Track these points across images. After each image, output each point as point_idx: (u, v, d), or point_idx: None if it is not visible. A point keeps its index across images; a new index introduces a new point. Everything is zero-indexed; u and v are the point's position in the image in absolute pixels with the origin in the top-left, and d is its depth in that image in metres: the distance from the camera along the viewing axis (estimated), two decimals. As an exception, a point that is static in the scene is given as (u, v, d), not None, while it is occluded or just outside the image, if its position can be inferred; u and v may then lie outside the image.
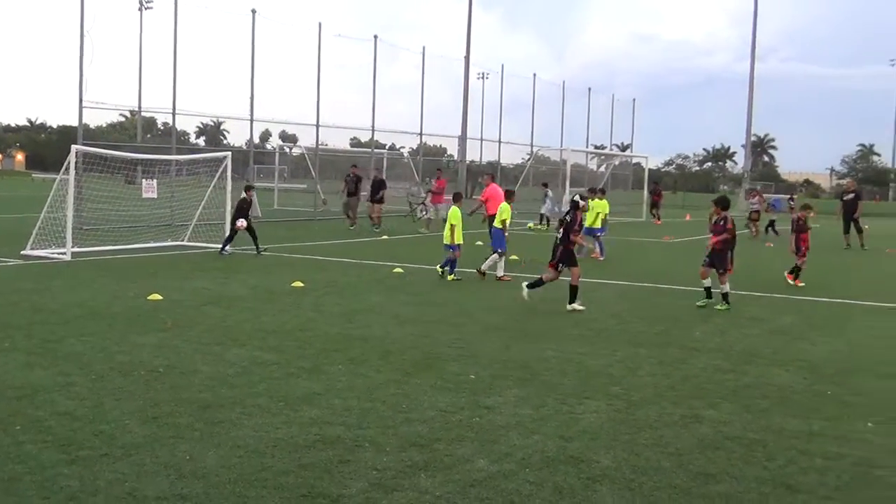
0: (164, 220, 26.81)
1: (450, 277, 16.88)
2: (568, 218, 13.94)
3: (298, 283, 15.25)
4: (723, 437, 7.13)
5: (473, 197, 65.85)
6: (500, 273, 17.17)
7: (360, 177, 32.53)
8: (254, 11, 32.90)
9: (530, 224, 36.81)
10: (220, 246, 20.77)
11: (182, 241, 22.53)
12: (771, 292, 16.38)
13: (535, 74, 53.81)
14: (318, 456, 6.30)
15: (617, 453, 6.59)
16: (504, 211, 17.68)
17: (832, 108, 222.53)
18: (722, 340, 11.41)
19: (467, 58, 53.76)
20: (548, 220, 36.90)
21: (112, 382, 8.22)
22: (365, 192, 32.72)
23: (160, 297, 13.22)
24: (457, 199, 18.34)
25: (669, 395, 8.42)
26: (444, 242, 17.44)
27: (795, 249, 17.85)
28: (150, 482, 5.70)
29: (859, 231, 29.41)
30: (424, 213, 33.49)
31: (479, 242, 24.44)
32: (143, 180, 26.94)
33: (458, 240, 17.28)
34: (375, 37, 40.17)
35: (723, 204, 14.88)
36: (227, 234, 21.13)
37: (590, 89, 59.17)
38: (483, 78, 64.24)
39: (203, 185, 24.89)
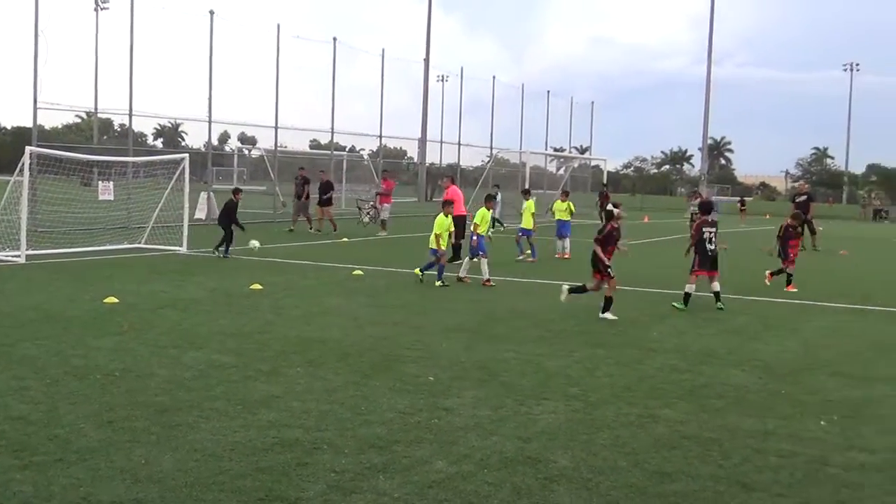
0: (120, 222, 26.49)
1: (437, 283, 16.49)
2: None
3: (257, 286, 15.16)
4: (679, 436, 7.20)
5: (434, 199, 65.87)
6: (462, 274, 17.24)
7: (308, 179, 31.69)
8: (212, 12, 32.68)
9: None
10: (219, 249, 20.59)
11: (139, 243, 22.30)
12: (727, 293, 16.54)
13: (494, 77, 53.99)
14: (275, 459, 6.27)
15: (575, 453, 6.64)
16: (482, 217, 17.64)
17: (787, 111, 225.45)
18: (679, 341, 11.53)
19: (427, 60, 53.88)
20: (501, 223, 36.77)
21: (67, 386, 8.11)
22: (315, 194, 32.12)
23: (116, 300, 13.07)
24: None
25: (626, 396, 8.50)
26: (430, 247, 17.20)
27: (782, 255, 17.67)
28: (106, 487, 5.64)
29: (812, 232, 29.88)
30: (374, 215, 32.34)
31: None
32: (100, 182, 26.62)
33: (443, 245, 17.08)
34: (334, 39, 40.10)
35: (703, 209, 15.53)
36: (224, 237, 20.84)
37: (549, 92, 59.47)
38: (443, 80, 64.35)
39: (161, 186, 24.66)
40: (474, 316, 13.06)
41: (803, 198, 30.65)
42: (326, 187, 30.87)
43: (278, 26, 35.93)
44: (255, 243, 21.36)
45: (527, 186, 31.87)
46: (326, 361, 9.54)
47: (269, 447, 6.52)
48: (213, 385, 8.33)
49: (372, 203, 33.60)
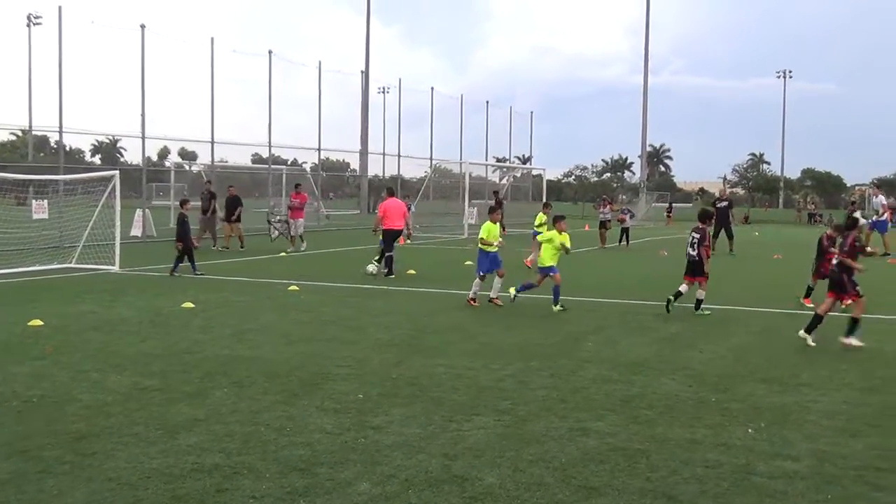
0: (52, 241, 25.90)
1: (555, 308, 15.08)
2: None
3: (189, 304, 14.88)
4: (608, 448, 7.16)
5: (375, 211, 65.63)
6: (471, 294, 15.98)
7: (214, 193, 30.15)
8: (143, 27, 32.25)
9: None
10: (172, 267, 20.14)
11: (70, 263, 21.80)
12: (661, 300, 16.64)
13: (432, 88, 54.11)
14: (193, 486, 6.08)
15: (502, 470, 6.55)
16: (489, 231, 16.18)
17: (724, 118, 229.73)
18: (612, 351, 11.53)
19: (366, 72, 53.73)
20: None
21: (-20, 415, 7.83)
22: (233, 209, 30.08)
23: (41, 323, 12.72)
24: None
25: (558, 409, 8.44)
26: (541, 265, 15.79)
27: (814, 268, 16.30)
28: (11, 522, 5.41)
29: (730, 237, 31.06)
30: (285, 230, 30.42)
31: (469, 262, 24.39)
32: (34, 201, 26.02)
33: (551, 261, 15.60)
34: (270, 52, 39.88)
35: (701, 217, 15.79)
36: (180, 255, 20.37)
37: (487, 102, 59.82)
38: (384, 92, 64.28)
39: (95, 204, 24.15)
40: (407, 330, 12.93)
41: (724, 204, 31.68)
42: (234, 202, 29.53)
43: (212, 40, 35.71)
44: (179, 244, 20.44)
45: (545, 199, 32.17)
46: (254, 381, 9.34)
47: (187, 474, 6.33)
48: (134, 410, 8.10)
49: (282, 218, 31.24)
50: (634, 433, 7.64)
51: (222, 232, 29.79)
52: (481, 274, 16.04)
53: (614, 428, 7.79)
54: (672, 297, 14.95)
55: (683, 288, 15.21)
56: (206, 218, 29.56)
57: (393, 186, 27.20)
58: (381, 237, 21.11)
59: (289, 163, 68.97)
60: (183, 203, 21.88)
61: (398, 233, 21.16)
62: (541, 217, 23.24)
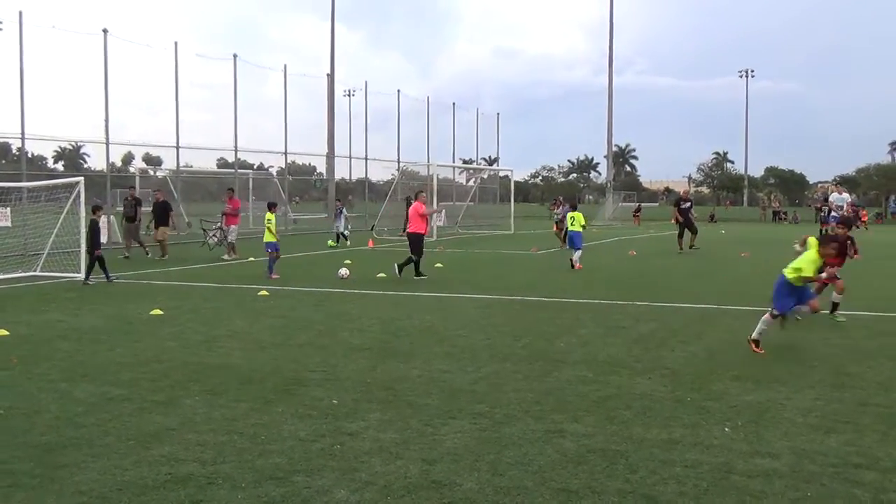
0: (16, 249, 25.48)
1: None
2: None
3: (157, 311, 14.69)
4: (586, 450, 7.12)
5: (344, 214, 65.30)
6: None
7: (140, 199, 28.73)
8: (105, 31, 31.85)
9: (330, 242, 35.17)
10: (84, 276, 19.88)
11: (35, 271, 21.47)
12: (633, 300, 16.70)
13: (398, 91, 53.94)
14: (167, 497, 5.96)
15: (480, 475, 6.49)
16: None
17: (688, 118, 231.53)
18: (585, 351, 11.51)
19: (331, 75, 53.52)
20: (346, 237, 35.96)
21: (-55, 429, 7.64)
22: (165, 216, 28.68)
23: (6, 333, 12.49)
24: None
25: (534, 411, 8.39)
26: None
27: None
28: (-20, 538, 5.27)
29: (694, 232, 31.76)
30: (217, 237, 29.12)
31: (439, 265, 24.31)
32: (-3, 208, 25.63)
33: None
34: (235, 56, 39.60)
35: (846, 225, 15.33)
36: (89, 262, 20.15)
37: (454, 104, 59.74)
38: (349, 95, 64.16)
39: (58, 211, 23.79)
40: (380, 334, 12.84)
41: (687, 204, 32.20)
42: (163, 208, 28.33)
43: (176, 44, 35.40)
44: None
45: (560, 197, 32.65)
46: (227, 389, 9.21)
47: (160, 484, 6.21)
48: (104, 420, 7.95)
49: (218, 224, 29.59)
50: (612, 434, 7.61)
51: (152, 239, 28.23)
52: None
53: (591, 429, 7.75)
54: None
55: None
56: (133, 226, 28.12)
57: (421, 189, 26.04)
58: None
59: (255, 167, 68.57)
60: (95, 209, 21.46)
61: (417, 236, 21.52)
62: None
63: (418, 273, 20.94)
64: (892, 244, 32.33)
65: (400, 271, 20.91)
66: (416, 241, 21.31)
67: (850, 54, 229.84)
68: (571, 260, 24.09)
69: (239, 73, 40.31)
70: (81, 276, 20.29)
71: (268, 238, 21.64)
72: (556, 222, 35.90)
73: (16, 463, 6.69)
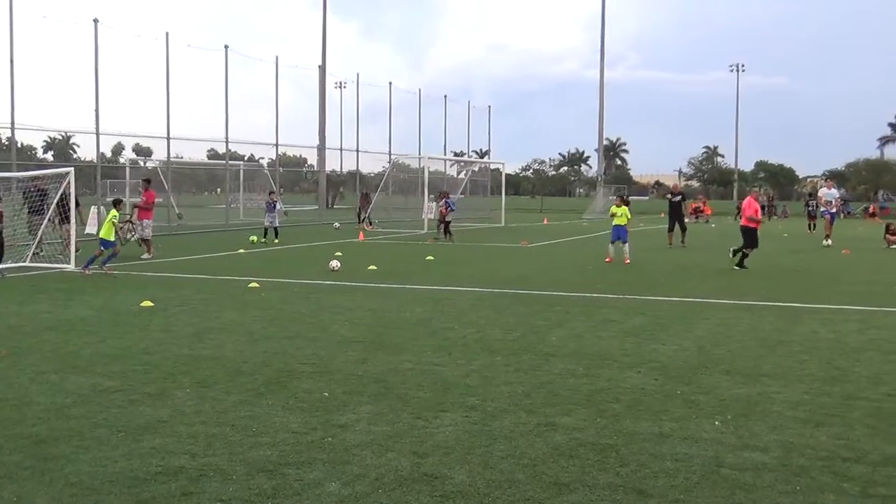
0: (5, 240, 25.27)
1: None
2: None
3: (148, 303, 14.65)
4: (577, 444, 7.14)
5: (335, 206, 65.35)
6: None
7: (46, 191, 24.15)
8: (96, 21, 31.73)
9: (253, 238, 31.76)
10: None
11: (23, 262, 21.38)
12: (623, 294, 16.74)
13: (390, 83, 53.96)
14: (158, 489, 5.96)
15: (472, 467, 6.50)
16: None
17: (679, 112, 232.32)
18: (576, 344, 11.53)
19: (323, 67, 53.38)
20: (276, 232, 32.11)
21: (-65, 420, 7.62)
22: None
23: (-5, 324, 12.45)
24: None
25: (525, 404, 8.41)
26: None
27: None
28: (-29, 530, 5.26)
29: (683, 230, 31.78)
30: (132, 233, 25.54)
31: (430, 257, 24.30)
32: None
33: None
34: (226, 47, 39.50)
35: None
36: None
37: (445, 97, 59.76)
38: (341, 87, 63.99)
39: (52, 202, 23.60)
40: (371, 326, 12.84)
41: (678, 198, 32.26)
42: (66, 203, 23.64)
43: (167, 35, 35.26)
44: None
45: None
46: (218, 381, 9.20)
47: (151, 477, 6.20)
48: (95, 412, 7.93)
49: (129, 218, 25.73)
50: (602, 427, 7.63)
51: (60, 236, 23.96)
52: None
53: (582, 422, 7.77)
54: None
55: None
56: (34, 219, 23.68)
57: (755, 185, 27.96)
58: None
59: (246, 158, 68.42)
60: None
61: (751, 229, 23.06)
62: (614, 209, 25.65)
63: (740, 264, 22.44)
64: (881, 238, 32.39)
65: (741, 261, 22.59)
66: (750, 234, 22.84)
67: (837, 49, 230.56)
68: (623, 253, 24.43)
69: (230, 64, 40.22)
70: (71, 266, 20.21)
71: (105, 234, 20.08)
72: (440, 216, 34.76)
73: (6, 454, 6.67)
